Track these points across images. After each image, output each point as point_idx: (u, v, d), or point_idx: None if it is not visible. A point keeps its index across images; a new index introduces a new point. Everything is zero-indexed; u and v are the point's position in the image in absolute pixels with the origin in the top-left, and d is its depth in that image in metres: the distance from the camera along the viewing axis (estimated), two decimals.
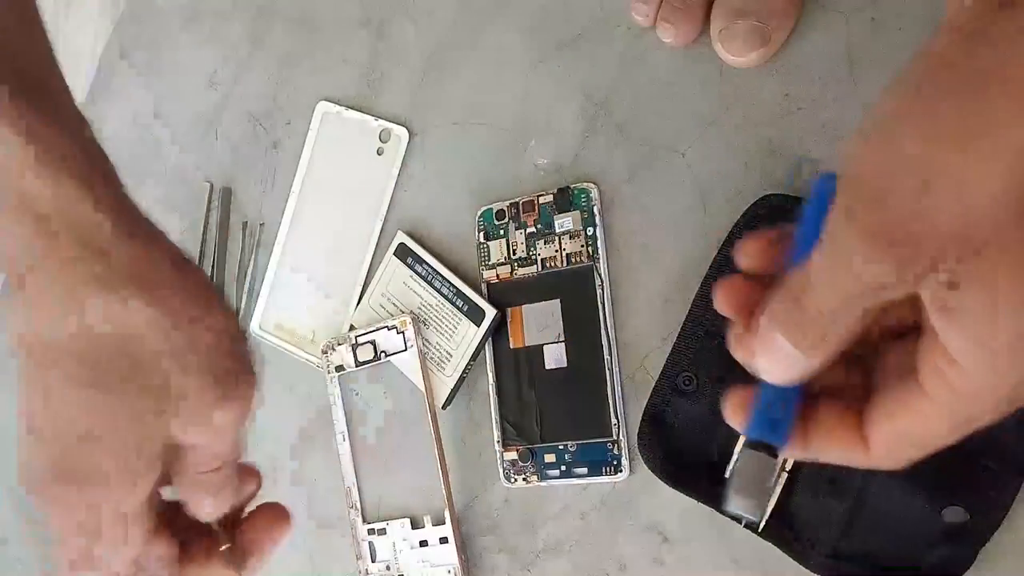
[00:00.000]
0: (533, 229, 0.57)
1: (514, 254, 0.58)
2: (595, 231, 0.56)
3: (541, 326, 0.52)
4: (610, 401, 0.53)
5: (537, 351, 0.56)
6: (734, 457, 0.30)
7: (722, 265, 0.51)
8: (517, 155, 0.60)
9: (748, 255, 0.30)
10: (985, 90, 0.22)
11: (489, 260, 0.59)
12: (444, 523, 0.57)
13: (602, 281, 0.55)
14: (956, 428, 0.26)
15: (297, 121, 0.67)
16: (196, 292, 0.30)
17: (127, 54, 0.77)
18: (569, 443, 0.55)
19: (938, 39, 0.23)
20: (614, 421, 0.53)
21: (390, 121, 0.64)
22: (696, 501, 0.51)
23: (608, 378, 0.54)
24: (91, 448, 0.29)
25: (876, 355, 0.29)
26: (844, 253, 0.23)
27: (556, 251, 0.56)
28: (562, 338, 0.54)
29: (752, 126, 0.54)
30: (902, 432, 0.27)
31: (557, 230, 0.57)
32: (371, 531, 0.60)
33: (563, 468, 0.55)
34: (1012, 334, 0.22)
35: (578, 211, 0.56)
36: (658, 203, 0.55)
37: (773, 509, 0.49)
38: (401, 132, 0.63)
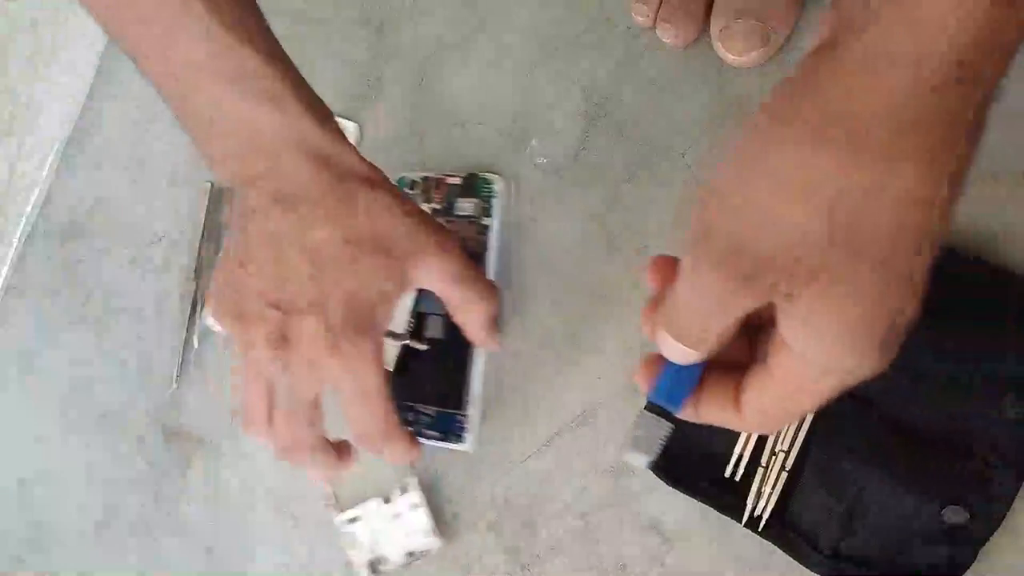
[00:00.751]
0: (437, 206, 0.59)
1: None
2: (491, 222, 0.57)
3: (429, 297, 0.53)
4: (469, 378, 0.55)
5: (421, 319, 0.57)
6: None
7: None
8: (517, 155, 0.60)
9: (655, 275, 0.33)
10: (801, 139, 0.25)
11: None
12: (409, 489, 0.58)
13: (488, 270, 0.57)
14: (799, 403, 0.30)
15: None
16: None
17: None
18: (428, 407, 0.56)
19: (776, 86, 0.27)
20: (467, 397, 0.55)
21: (342, 117, 0.64)
22: (696, 501, 0.51)
23: (472, 356, 0.55)
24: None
25: (759, 332, 0.33)
26: (701, 283, 0.28)
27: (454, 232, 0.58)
28: (443, 312, 0.53)
29: None
30: (760, 404, 0.31)
31: (457, 213, 0.58)
32: (350, 520, 0.60)
33: (417, 428, 0.57)
34: (834, 331, 0.27)
35: (479, 199, 0.58)
36: (658, 203, 0.55)
37: (773, 509, 0.49)
38: (352, 127, 0.64)
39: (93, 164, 0.73)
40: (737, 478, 0.51)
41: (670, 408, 0.33)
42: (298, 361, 0.41)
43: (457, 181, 0.59)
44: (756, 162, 0.26)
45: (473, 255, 0.56)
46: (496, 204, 0.58)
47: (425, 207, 0.59)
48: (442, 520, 0.58)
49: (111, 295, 0.71)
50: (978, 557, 0.46)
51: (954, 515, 0.46)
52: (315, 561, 0.63)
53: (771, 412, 0.31)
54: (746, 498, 0.50)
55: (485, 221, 0.58)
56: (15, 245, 0.74)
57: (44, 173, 0.74)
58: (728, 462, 0.51)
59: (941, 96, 0.24)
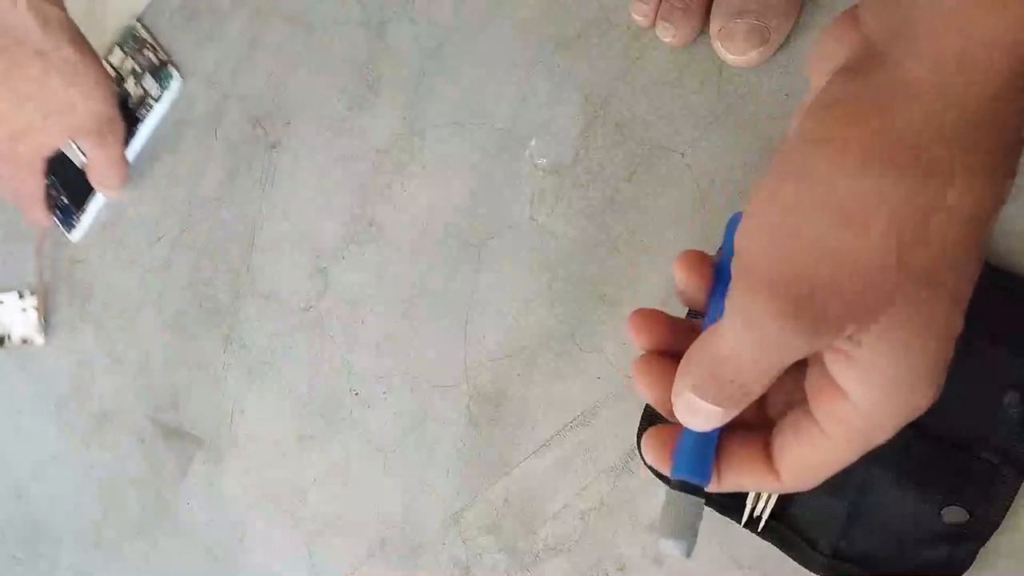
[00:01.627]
0: (136, 68, 0.71)
1: (116, 72, 0.72)
2: (155, 107, 0.70)
3: None
4: (92, 197, 0.71)
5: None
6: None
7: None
8: (517, 155, 0.60)
9: (642, 332, 0.30)
10: (856, 163, 0.23)
11: (112, 67, 0.72)
12: (33, 291, 0.72)
13: (132, 144, 0.69)
14: (853, 453, 0.28)
15: (297, 121, 0.67)
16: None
17: None
18: (66, 197, 0.72)
19: (804, 120, 0.24)
20: (86, 207, 0.71)
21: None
22: None
23: (83, 179, 0.68)
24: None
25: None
26: (749, 325, 0.25)
27: (132, 93, 0.71)
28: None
29: (752, 126, 0.54)
30: (806, 461, 0.28)
31: (142, 83, 0.70)
32: None
33: (58, 215, 0.72)
34: (905, 373, 0.25)
35: (159, 84, 0.70)
36: (658, 203, 0.55)
37: (773, 509, 0.49)
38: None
39: None
40: None
41: (698, 482, 0.29)
42: None
43: (156, 61, 0.70)
44: (805, 191, 0.24)
45: (132, 121, 0.70)
46: (165, 97, 0.70)
47: (129, 63, 0.71)
48: (52, 323, 0.73)
49: (111, 295, 0.71)
50: (978, 557, 0.46)
51: (954, 515, 0.46)
52: (315, 558, 0.63)
53: (817, 468, 0.28)
54: (746, 498, 0.50)
55: (152, 103, 0.70)
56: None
57: None
58: None
59: (999, 106, 0.23)
